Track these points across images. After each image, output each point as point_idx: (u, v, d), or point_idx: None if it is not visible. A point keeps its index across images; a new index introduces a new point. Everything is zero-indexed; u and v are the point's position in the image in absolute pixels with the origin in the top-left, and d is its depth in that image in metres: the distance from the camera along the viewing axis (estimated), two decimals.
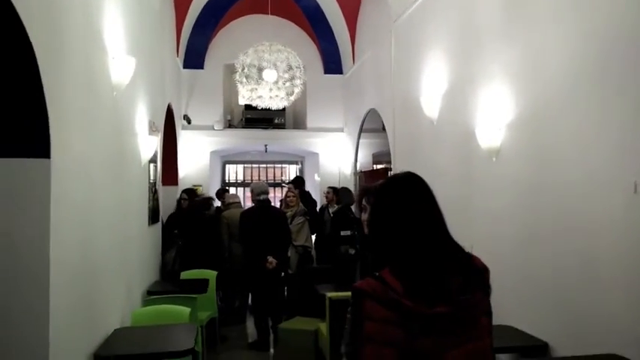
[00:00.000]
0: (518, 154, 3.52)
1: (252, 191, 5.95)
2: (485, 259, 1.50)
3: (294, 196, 6.74)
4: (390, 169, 7.16)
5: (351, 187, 8.37)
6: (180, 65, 8.65)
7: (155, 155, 5.34)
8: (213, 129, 9.17)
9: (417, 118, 5.43)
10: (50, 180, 2.26)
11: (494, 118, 3.76)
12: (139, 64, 4.01)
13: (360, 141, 8.66)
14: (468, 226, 4.24)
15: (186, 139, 8.91)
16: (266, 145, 9.67)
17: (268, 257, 5.54)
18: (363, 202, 1.95)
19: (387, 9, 6.42)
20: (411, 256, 1.40)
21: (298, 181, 7.91)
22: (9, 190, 2.20)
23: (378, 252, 1.47)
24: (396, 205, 1.47)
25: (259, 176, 11.01)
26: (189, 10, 7.75)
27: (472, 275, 1.46)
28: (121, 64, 3.52)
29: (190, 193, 7.07)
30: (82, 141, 2.81)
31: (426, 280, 1.34)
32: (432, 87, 5.05)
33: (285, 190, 8.60)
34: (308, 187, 10.24)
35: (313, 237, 7.00)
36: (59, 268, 2.38)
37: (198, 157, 9.12)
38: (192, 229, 6.06)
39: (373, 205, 1.52)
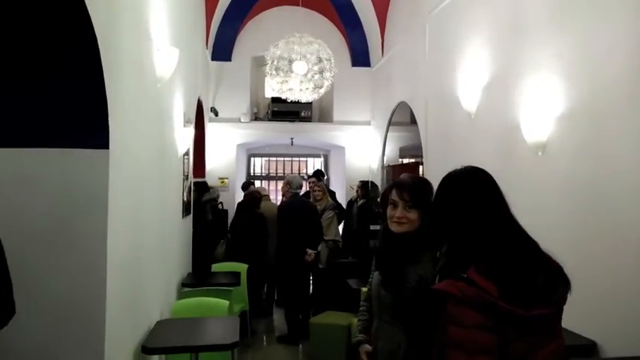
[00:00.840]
0: (567, 148, 3.41)
1: (289, 184, 5.91)
2: None
3: (319, 190, 6.70)
4: (421, 164, 7.07)
5: (378, 182, 8.30)
6: (209, 57, 8.65)
7: (188, 148, 5.35)
8: (240, 121, 9.18)
9: (453, 111, 5.33)
10: (109, 170, 2.25)
11: (541, 110, 3.66)
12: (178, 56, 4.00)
13: (389, 134, 8.58)
14: None
15: (213, 132, 8.93)
16: (292, 139, 9.65)
17: (307, 250, 5.55)
18: (394, 196, 1.90)
19: (421, 0, 6.31)
20: (502, 254, 1.34)
21: (319, 174, 7.85)
22: (70, 180, 2.20)
23: (459, 251, 1.41)
24: (479, 201, 1.42)
25: (284, 169, 11.01)
26: (219, 2, 7.73)
27: (555, 272, 1.41)
28: (165, 56, 3.51)
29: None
30: (132, 132, 2.80)
31: (521, 280, 1.29)
32: (470, 79, 4.95)
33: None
34: (332, 181, 10.23)
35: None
36: (114, 259, 2.38)
37: (224, 149, 9.14)
38: (242, 225, 5.99)
39: (449, 202, 1.46)
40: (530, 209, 3.81)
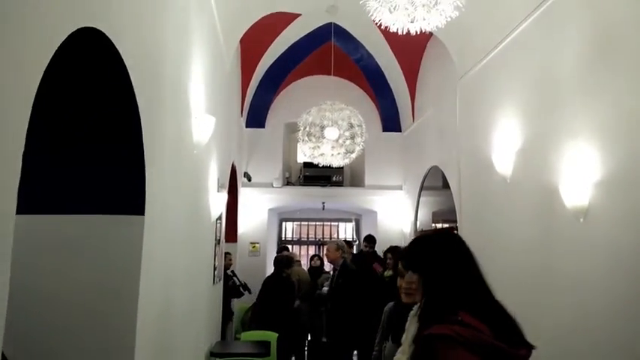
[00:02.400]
0: (610, 214, 3.27)
1: (341, 248, 5.71)
2: (572, 331, 1.57)
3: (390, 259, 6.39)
4: (456, 229, 6.91)
5: None
6: (244, 124, 8.93)
7: (221, 213, 5.40)
8: (272, 186, 9.29)
9: (487, 176, 5.26)
10: (143, 236, 2.27)
11: (580, 175, 3.56)
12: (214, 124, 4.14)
13: (421, 198, 8.49)
14: (549, 295, 3.94)
15: (245, 196, 9.04)
16: (323, 203, 9.66)
17: None
18: (400, 265, 1.95)
19: (451, 67, 6.43)
20: (490, 299, 1.48)
21: (372, 240, 7.66)
22: (104, 245, 2.22)
23: (440, 300, 1.47)
24: (462, 255, 1.57)
25: (315, 234, 10.94)
26: (255, 72, 8.08)
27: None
28: (202, 123, 3.63)
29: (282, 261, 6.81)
30: (168, 198, 2.85)
31: (508, 323, 1.42)
32: (504, 143, 4.90)
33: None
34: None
35: None
36: (143, 327, 2.34)
37: (256, 214, 9.20)
38: (271, 289, 5.90)
39: (437, 256, 1.58)
40: (573, 280, 3.62)
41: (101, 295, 2.21)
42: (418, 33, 3.03)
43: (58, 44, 1.42)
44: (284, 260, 6.15)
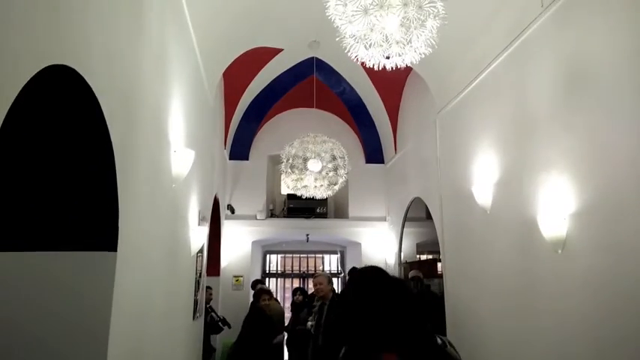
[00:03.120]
0: (588, 245, 3.30)
1: (331, 283, 5.58)
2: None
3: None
4: (439, 260, 6.90)
5: None
6: (227, 157, 8.93)
7: (202, 246, 5.34)
8: (256, 219, 9.23)
9: (468, 207, 5.30)
10: (115, 273, 2.23)
11: (558, 206, 3.61)
12: (194, 157, 4.13)
13: (405, 229, 8.50)
14: (528, 325, 3.95)
15: (229, 229, 8.96)
16: (308, 235, 9.61)
17: None
18: None
19: (431, 100, 6.56)
20: (422, 338, 1.42)
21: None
22: (73, 282, 2.17)
23: (369, 339, 1.41)
24: (377, 292, 1.48)
25: (300, 266, 10.84)
26: (239, 105, 8.15)
27: None
28: (181, 157, 3.62)
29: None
30: (143, 233, 2.81)
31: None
32: (483, 175, 4.97)
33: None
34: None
35: None
36: None
37: (240, 246, 9.11)
38: (247, 325, 5.82)
39: (350, 294, 1.54)
40: (552, 310, 3.64)
41: (70, 332, 2.14)
42: (393, 68, 3.08)
43: (24, 82, 1.42)
44: (255, 295, 6.13)
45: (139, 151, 2.66)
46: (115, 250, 2.24)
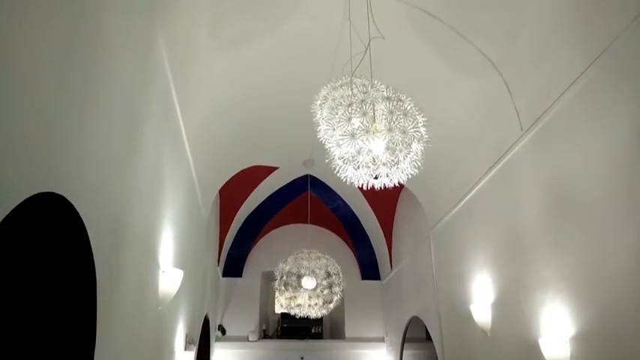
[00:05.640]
0: None
1: None
2: None
3: None
4: None
5: None
6: (220, 274, 8.77)
7: None
8: (248, 340, 8.80)
9: (468, 328, 5.09)
10: None
11: (559, 328, 3.46)
12: (184, 277, 4.05)
13: (404, 352, 8.07)
14: None
15: (219, 353, 8.50)
16: (302, 358, 9.09)
17: None
18: None
19: (424, 216, 6.62)
20: None
21: None
22: None
23: None
24: None
25: None
26: (234, 221, 8.19)
27: None
28: (169, 278, 3.54)
29: None
30: (124, 357, 2.65)
31: None
32: (480, 294, 4.84)
33: None
34: None
35: None
36: None
37: None
38: None
39: None
40: None
41: None
42: (382, 188, 3.16)
43: (12, 207, 1.44)
44: None
45: (125, 272, 2.61)
46: None
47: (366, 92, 3.22)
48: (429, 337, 6.80)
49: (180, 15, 3.41)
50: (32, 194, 1.59)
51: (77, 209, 1.90)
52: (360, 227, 9.21)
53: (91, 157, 2.07)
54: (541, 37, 3.52)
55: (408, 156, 3.10)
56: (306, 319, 7.51)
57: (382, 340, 8.96)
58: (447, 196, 5.65)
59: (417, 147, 3.10)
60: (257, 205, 8.55)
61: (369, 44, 3.49)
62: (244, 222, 8.73)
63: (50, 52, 1.66)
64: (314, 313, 7.03)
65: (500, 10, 3.67)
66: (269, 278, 8.62)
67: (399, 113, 3.05)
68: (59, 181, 1.77)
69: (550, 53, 3.49)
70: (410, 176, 3.08)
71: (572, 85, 3.32)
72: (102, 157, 2.20)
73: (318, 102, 3.49)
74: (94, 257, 2.08)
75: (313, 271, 7.06)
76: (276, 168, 7.70)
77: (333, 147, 3.26)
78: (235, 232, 8.78)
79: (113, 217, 2.39)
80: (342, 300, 7.16)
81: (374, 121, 3.08)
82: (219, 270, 8.70)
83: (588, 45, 3.12)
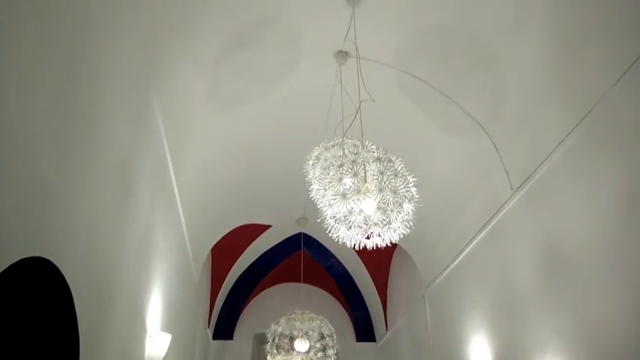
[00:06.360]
0: None
1: None
2: None
3: None
4: None
5: None
6: (210, 336, 8.50)
7: None
8: None
9: None
10: None
11: None
12: (173, 341, 3.92)
13: None
14: None
15: None
16: None
17: None
18: None
19: (418, 275, 6.54)
20: None
21: None
22: None
23: None
24: None
25: None
26: (225, 281, 8.05)
27: None
28: (156, 342, 3.43)
29: None
30: None
31: None
32: (478, 357, 4.70)
33: None
34: None
35: None
36: None
37: None
38: None
39: None
40: None
41: None
42: (374, 248, 3.14)
43: None
44: None
45: (109, 336, 2.52)
46: None
47: (357, 153, 3.28)
48: None
49: (177, 80, 3.52)
50: (19, 259, 1.58)
51: (63, 273, 1.87)
52: (354, 286, 9.06)
53: (81, 221, 2.06)
54: (527, 98, 3.63)
55: (400, 216, 3.12)
56: None
57: None
58: (441, 255, 5.62)
59: (408, 207, 3.12)
60: (249, 263, 8.43)
61: (359, 106, 3.59)
62: (236, 281, 8.57)
63: (46, 115, 1.69)
64: None
65: (486, 74, 3.81)
66: (261, 341, 8.34)
67: (389, 174, 3.09)
68: (47, 245, 1.75)
69: (536, 114, 3.59)
70: (402, 236, 3.08)
71: (559, 144, 3.40)
72: (92, 220, 2.19)
73: (311, 162, 3.55)
74: (78, 321, 2.02)
75: (306, 333, 6.86)
76: (269, 226, 7.66)
77: (325, 207, 3.28)
78: (227, 292, 8.59)
79: (100, 281, 2.35)
80: None
81: (365, 181, 3.12)
82: (210, 332, 8.43)
83: (574, 105, 3.22)
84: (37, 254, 1.69)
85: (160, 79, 3.19)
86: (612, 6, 2.76)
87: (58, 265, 1.82)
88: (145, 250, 3.27)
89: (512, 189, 4.00)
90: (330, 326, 6.93)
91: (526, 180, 3.81)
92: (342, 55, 4.04)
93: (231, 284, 8.55)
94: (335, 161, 3.27)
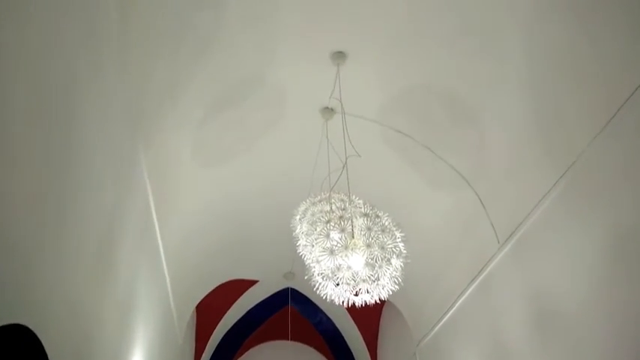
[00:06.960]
0: None
1: None
2: None
3: None
4: None
5: None
6: None
7: None
8: None
9: None
10: None
11: None
12: None
13: None
14: None
15: None
16: None
17: None
18: None
19: (408, 330, 6.39)
20: None
21: None
22: None
23: None
24: None
25: None
26: (210, 340, 7.78)
27: None
28: None
29: None
30: None
31: None
32: None
33: None
34: None
35: None
36: None
37: None
38: None
39: None
40: None
41: None
42: (362, 305, 3.09)
43: None
44: None
45: None
46: None
47: (344, 208, 3.29)
48: None
49: (163, 139, 3.54)
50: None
51: (41, 340, 1.79)
52: (343, 343, 8.80)
53: (60, 284, 2.01)
54: (510, 152, 3.70)
55: (388, 271, 3.08)
56: None
57: None
58: (431, 310, 5.52)
59: (396, 262, 3.09)
60: (235, 321, 8.19)
61: (345, 162, 3.63)
62: (221, 340, 8.29)
63: (27, 178, 1.68)
64: None
65: (469, 129, 3.89)
66: None
67: (377, 229, 3.08)
68: (24, 311, 1.69)
69: (520, 167, 3.64)
70: (391, 292, 3.04)
71: (544, 197, 3.43)
72: (72, 282, 2.13)
73: (298, 217, 3.54)
74: None
75: None
76: (256, 281, 7.51)
77: (312, 263, 3.24)
78: (212, 353, 8.28)
79: (79, 347, 2.26)
80: None
81: (352, 237, 3.10)
82: None
83: (557, 158, 3.26)
84: (15, 321, 1.62)
85: (146, 139, 3.21)
86: (590, 58, 2.83)
87: (36, 333, 1.75)
88: (127, 314, 3.17)
89: (499, 242, 4.00)
90: None
91: (512, 233, 3.82)
92: (328, 111, 4.12)
93: (217, 343, 8.26)
94: (322, 217, 3.26)
